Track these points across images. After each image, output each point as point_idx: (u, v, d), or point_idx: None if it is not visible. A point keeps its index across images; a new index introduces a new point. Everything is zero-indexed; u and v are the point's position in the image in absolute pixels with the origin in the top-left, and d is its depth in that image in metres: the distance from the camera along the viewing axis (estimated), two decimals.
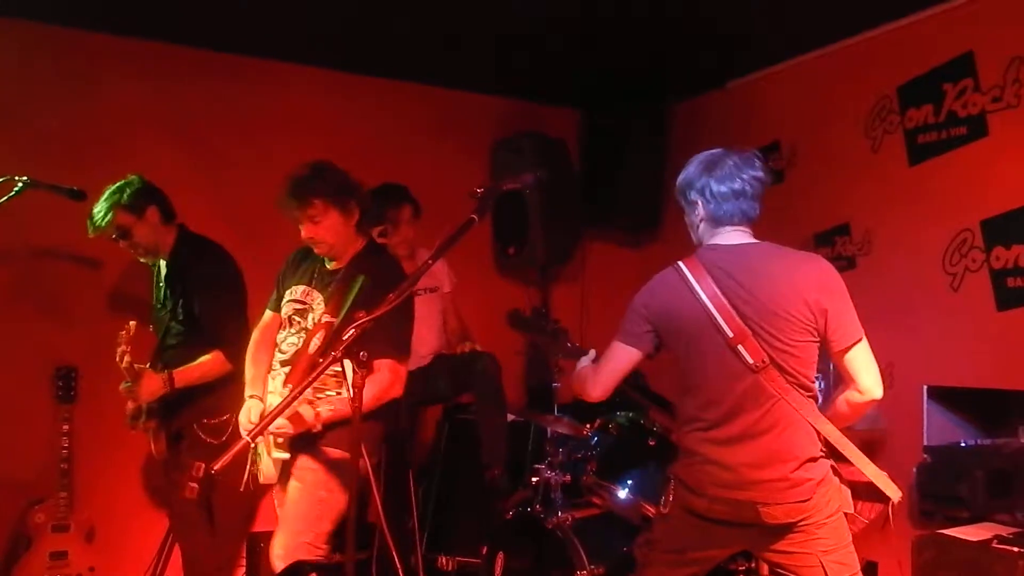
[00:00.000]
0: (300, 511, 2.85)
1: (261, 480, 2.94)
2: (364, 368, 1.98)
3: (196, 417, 3.44)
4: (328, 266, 3.03)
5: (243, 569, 4.18)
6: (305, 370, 2.69)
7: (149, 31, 4.19)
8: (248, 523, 4.38)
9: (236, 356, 3.36)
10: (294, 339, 2.95)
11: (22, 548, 3.76)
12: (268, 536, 4.01)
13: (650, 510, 3.36)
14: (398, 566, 2.63)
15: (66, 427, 3.83)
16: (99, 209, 3.42)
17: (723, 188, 2.43)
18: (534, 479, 3.61)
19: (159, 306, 3.56)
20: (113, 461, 4.10)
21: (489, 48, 4.43)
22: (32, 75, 4.04)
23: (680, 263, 2.52)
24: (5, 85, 3.98)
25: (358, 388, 2.00)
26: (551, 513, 3.46)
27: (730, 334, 2.38)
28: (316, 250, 3.00)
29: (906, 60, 3.92)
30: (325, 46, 4.41)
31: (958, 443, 3.56)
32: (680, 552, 2.54)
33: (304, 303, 2.99)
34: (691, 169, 2.52)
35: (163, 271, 3.56)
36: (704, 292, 2.42)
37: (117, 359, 3.25)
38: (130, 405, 3.48)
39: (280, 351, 3.00)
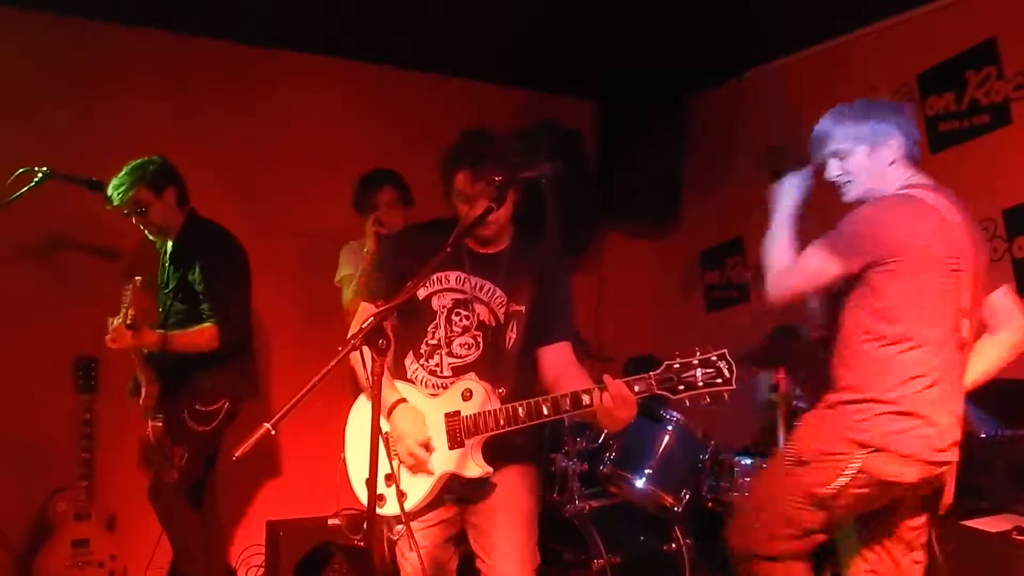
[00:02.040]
0: (530, 536, 2.50)
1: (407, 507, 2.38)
2: (383, 356, 1.97)
3: (189, 402, 3.47)
4: (481, 250, 2.52)
5: (261, 556, 4.22)
6: (513, 368, 2.44)
7: (158, 21, 4.21)
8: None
9: (229, 334, 3.38)
10: (467, 339, 2.47)
11: (44, 536, 3.80)
12: (287, 524, 4.06)
13: (667, 500, 3.35)
14: (417, 553, 2.60)
15: (87, 416, 3.86)
16: (119, 182, 3.43)
17: (914, 130, 2.56)
18: (551, 468, 3.62)
19: (163, 287, 3.59)
20: (133, 450, 4.13)
21: (505, 38, 4.41)
22: (46, 67, 4.07)
23: (933, 195, 2.45)
24: (21, 77, 4.02)
25: (377, 376, 1.98)
26: (568, 502, 3.46)
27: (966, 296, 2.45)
28: (488, 230, 2.43)
29: (927, 47, 3.88)
30: (336, 36, 4.41)
31: (978, 434, 3.53)
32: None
33: (463, 292, 2.49)
34: (875, 111, 2.57)
35: (169, 251, 3.59)
36: (965, 233, 2.44)
37: (119, 317, 3.27)
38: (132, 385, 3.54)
39: (452, 355, 2.48)
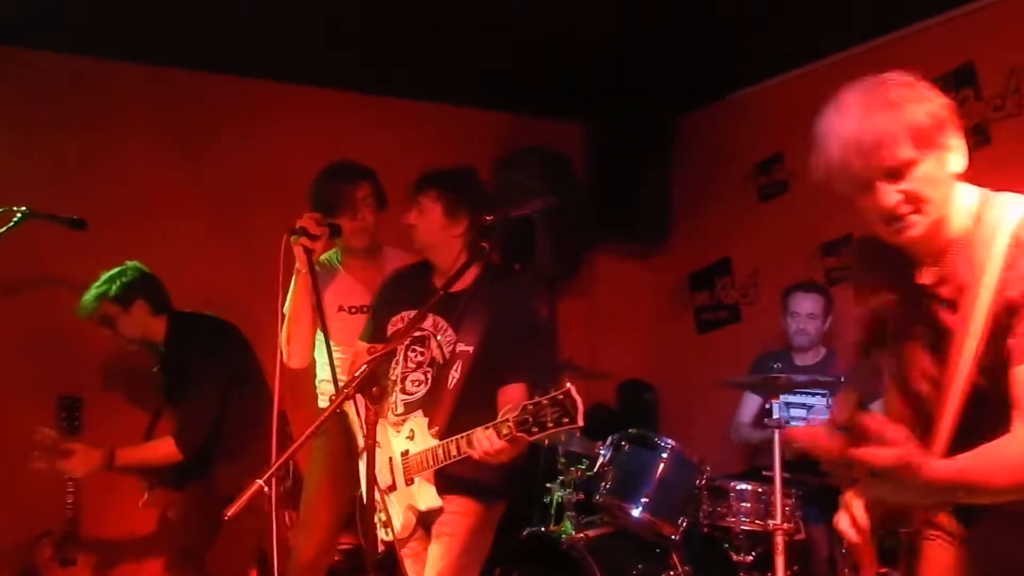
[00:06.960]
0: (458, 564, 2.56)
1: (394, 536, 2.60)
2: (377, 404, 1.94)
3: None
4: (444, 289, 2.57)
5: None
6: (449, 407, 2.49)
7: (152, 56, 4.20)
8: None
9: (189, 449, 3.32)
10: (419, 376, 2.60)
11: None
12: None
13: (665, 528, 3.34)
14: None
15: None
16: (88, 296, 3.43)
17: None
18: (546, 498, 3.59)
19: (162, 392, 3.58)
20: (119, 493, 4.05)
21: (493, 63, 4.41)
22: (40, 104, 4.05)
23: None
24: (14, 114, 4.01)
25: (371, 425, 1.95)
26: (564, 532, 3.43)
27: None
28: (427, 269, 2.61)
29: (909, 69, 3.91)
30: (321, 65, 4.41)
31: None
32: None
33: (422, 329, 2.61)
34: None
35: (160, 359, 3.55)
36: None
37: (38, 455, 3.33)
38: None
39: (404, 392, 2.62)
